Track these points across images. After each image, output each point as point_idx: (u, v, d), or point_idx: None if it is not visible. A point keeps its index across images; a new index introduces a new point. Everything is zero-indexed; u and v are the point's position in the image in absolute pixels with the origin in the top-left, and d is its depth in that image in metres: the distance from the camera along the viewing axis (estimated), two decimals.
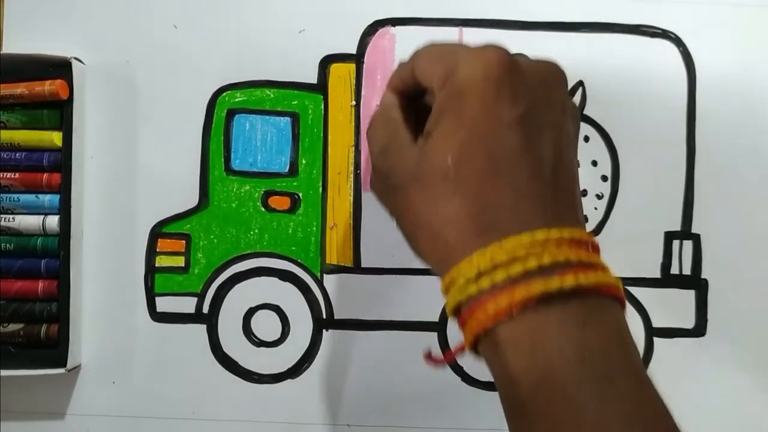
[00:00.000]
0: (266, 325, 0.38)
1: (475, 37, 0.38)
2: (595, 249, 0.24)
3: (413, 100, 0.28)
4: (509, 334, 0.22)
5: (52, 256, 0.36)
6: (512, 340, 0.22)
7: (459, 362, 0.38)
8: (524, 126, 0.24)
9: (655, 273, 0.38)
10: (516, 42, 0.38)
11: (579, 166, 0.27)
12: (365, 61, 0.38)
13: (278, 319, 0.38)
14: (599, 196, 0.38)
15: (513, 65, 0.25)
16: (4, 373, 0.35)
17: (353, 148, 0.38)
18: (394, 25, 0.38)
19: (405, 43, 0.38)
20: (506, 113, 0.24)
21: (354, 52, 0.38)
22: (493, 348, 0.23)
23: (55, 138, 0.36)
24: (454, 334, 0.38)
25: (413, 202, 0.25)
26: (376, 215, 0.38)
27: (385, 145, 0.27)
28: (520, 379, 0.22)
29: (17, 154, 0.37)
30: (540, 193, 0.24)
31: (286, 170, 0.38)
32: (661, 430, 0.22)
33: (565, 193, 0.25)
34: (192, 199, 0.38)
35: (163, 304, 0.38)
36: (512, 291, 0.22)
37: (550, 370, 0.21)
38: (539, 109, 0.25)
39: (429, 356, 0.27)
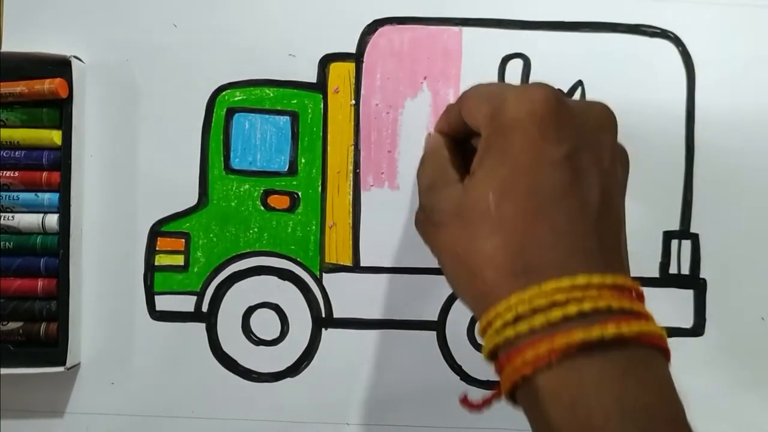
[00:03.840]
0: (265, 324, 0.38)
1: (475, 36, 0.38)
2: (640, 297, 0.24)
3: (461, 143, 0.28)
4: (549, 383, 0.21)
5: (52, 254, 0.37)
6: (552, 390, 0.21)
7: (459, 363, 0.38)
8: (570, 166, 0.24)
9: (654, 272, 0.38)
10: (516, 42, 0.38)
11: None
12: (365, 60, 0.38)
13: (277, 317, 0.38)
14: None
15: (560, 104, 0.24)
16: (4, 371, 0.35)
17: (352, 147, 0.38)
18: (393, 24, 0.38)
19: (406, 42, 0.38)
20: (551, 152, 0.24)
21: (354, 51, 0.38)
22: (532, 396, 0.22)
23: (55, 136, 0.36)
24: (453, 333, 0.38)
25: (454, 239, 0.25)
26: (375, 214, 0.38)
27: (431, 182, 0.27)
28: (560, 430, 0.21)
29: (17, 153, 0.37)
30: (583, 236, 0.23)
31: (286, 169, 0.38)
32: None
33: (610, 238, 0.24)
34: (191, 198, 0.38)
35: (163, 302, 0.38)
36: (552, 338, 0.21)
37: (591, 423, 0.21)
38: (586, 151, 0.24)
39: (465, 400, 0.27)
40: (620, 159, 0.26)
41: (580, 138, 0.24)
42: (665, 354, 0.23)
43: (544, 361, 0.21)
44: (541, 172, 0.23)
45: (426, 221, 0.27)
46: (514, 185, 0.24)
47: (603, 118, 0.26)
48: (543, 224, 0.23)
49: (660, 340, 0.23)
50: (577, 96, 0.38)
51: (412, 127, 0.38)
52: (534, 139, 0.24)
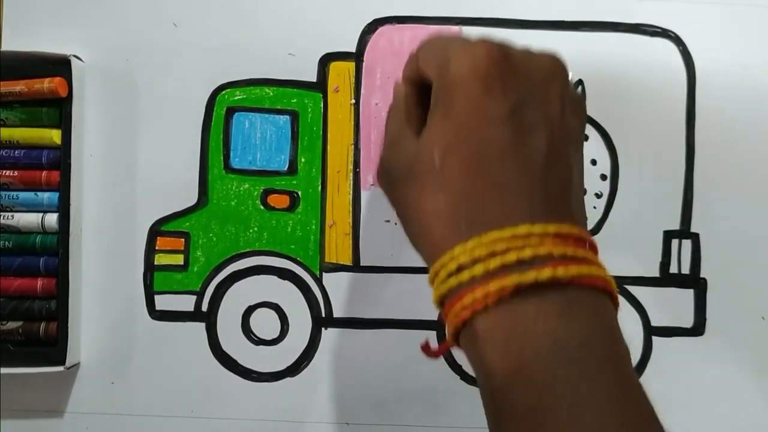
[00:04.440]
0: (265, 324, 0.38)
1: (474, 35, 0.38)
2: (591, 246, 0.24)
3: (428, 88, 0.28)
4: (485, 326, 0.22)
5: (51, 253, 0.36)
6: (488, 331, 0.22)
7: (455, 358, 0.38)
8: (514, 121, 0.24)
9: (654, 272, 0.38)
10: (516, 41, 0.38)
11: (583, 162, 0.27)
12: (365, 59, 0.38)
13: (277, 317, 0.38)
14: (598, 195, 0.38)
15: (504, 59, 0.24)
16: (3, 371, 0.35)
17: (352, 146, 0.38)
18: (393, 24, 0.38)
19: (406, 42, 0.38)
20: (494, 109, 0.24)
21: (353, 50, 0.38)
22: (471, 340, 0.23)
23: (54, 136, 0.36)
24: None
25: (407, 195, 0.26)
26: (375, 214, 0.38)
27: (392, 139, 0.28)
28: (494, 370, 0.22)
29: (16, 152, 0.37)
30: (528, 189, 0.24)
31: (286, 168, 0.38)
32: (639, 426, 0.22)
33: (558, 189, 0.24)
34: (191, 197, 0.38)
35: (162, 302, 0.38)
36: (488, 283, 0.22)
37: (523, 362, 0.22)
38: (532, 104, 0.24)
39: (427, 346, 0.27)
40: (573, 108, 0.26)
41: (526, 91, 0.24)
42: (611, 297, 0.24)
43: (480, 304, 0.22)
44: (484, 129, 0.24)
45: (385, 176, 0.28)
46: (457, 143, 0.24)
47: (549, 69, 0.26)
48: (486, 180, 0.24)
49: (604, 283, 0.23)
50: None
51: None
52: (477, 96, 0.24)
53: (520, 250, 0.22)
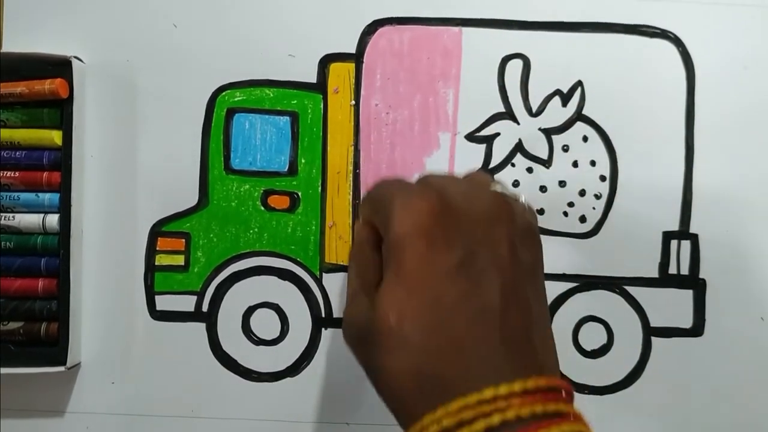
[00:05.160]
0: (265, 324, 0.38)
1: (475, 36, 0.38)
2: (567, 392, 0.23)
3: None
4: None
5: (52, 254, 0.37)
6: None
7: None
8: (464, 272, 0.23)
9: (653, 273, 0.38)
10: (516, 42, 0.38)
11: (544, 294, 0.26)
12: (365, 60, 0.38)
13: (277, 317, 0.38)
14: (597, 196, 0.38)
15: (444, 211, 0.24)
16: (4, 371, 0.36)
17: (352, 147, 0.38)
18: (393, 25, 0.38)
19: (405, 43, 0.38)
20: (442, 263, 0.23)
21: (353, 51, 0.38)
22: None
23: (55, 137, 0.37)
24: None
25: (369, 357, 0.25)
26: None
27: (352, 294, 0.27)
28: None
29: (17, 153, 0.37)
30: (486, 342, 0.23)
31: (286, 169, 0.38)
32: None
33: (518, 334, 0.23)
34: (192, 198, 0.38)
35: (163, 302, 0.38)
36: None
37: None
38: (481, 251, 0.24)
39: None
40: (523, 242, 0.25)
41: (472, 239, 0.24)
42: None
43: None
44: (435, 286, 0.23)
45: (347, 336, 0.27)
46: (410, 304, 0.23)
47: (492, 211, 0.25)
48: (443, 338, 0.23)
49: (576, 420, 0.22)
50: (576, 96, 0.38)
51: (412, 128, 0.38)
52: (423, 254, 0.23)
53: (488, 417, 0.21)
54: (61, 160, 0.36)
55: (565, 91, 0.38)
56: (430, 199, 0.24)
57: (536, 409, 0.21)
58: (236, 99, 0.38)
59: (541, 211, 0.38)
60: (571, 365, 0.38)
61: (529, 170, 0.38)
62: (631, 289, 0.38)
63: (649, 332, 0.38)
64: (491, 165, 0.38)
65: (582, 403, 0.33)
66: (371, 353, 0.25)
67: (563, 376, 0.24)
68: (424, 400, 0.22)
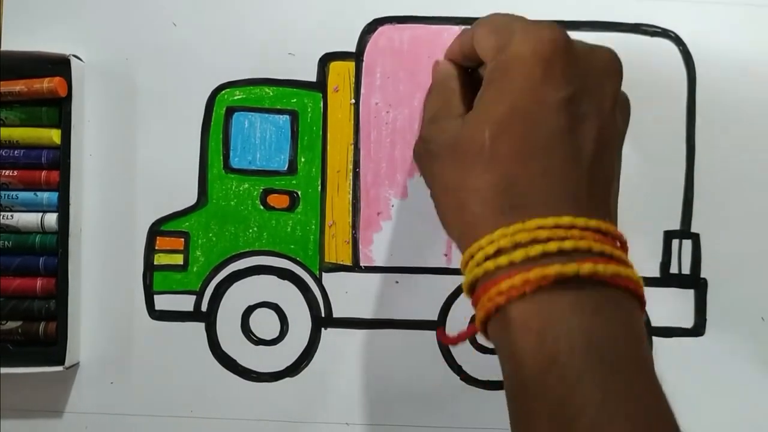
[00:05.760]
0: (265, 324, 0.38)
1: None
2: (623, 246, 0.24)
3: (471, 72, 0.28)
4: (520, 313, 0.22)
5: (51, 253, 0.36)
6: (523, 319, 0.22)
7: (459, 363, 0.37)
8: (568, 110, 0.24)
9: (655, 272, 0.38)
10: None
11: (621, 163, 0.27)
12: (365, 59, 0.38)
13: (277, 317, 0.38)
14: None
15: (566, 47, 0.24)
16: (3, 370, 0.35)
17: (352, 146, 0.38)
18: (393, 24, 0.38)
19: (406, 41, 0.38)
20: (551, 94, 0.23)
21: (353, 50, 0.38)
22: (504, 327, 0.22)
23: (54, 135, 0.36)
24: (453, 332, 0.37)
25: (447, 171, 0.25)
26: (374, 214, 0.38)
27: (435, 114, 0.27)
28: (526, 359, 0.22)
29: (16, 152, 0.36)
30: (574, 180, 0.23)
31: (285, 168, 0.38)
32: (661, 429, 0.22)
33: (600, 186, 0.24)
34: (191, 197, 0.38)
35: (162, 302, 0.38)
36: (528, 270, 0.21)
37: (557, 353, 0.21)
38: (587, 96, 0.24)
39: (442, 333, 0.27)
40: (621, 108, 0.26)
41: (583, 83, 0.24)
42: (640, 301, 0.23)
43: (518, 291, 0.22)
44: (539, 115, 0.23)
45: (423, 152, 0.27)
46: (510, 125, 0.24)
47: (608, 65, 0.26)
48: (535, 165, 0.23)
49: (636, 286, 0.23)
50: None
51: (412, 126, 0.38)
52: (535, 80, 0.24)
53: (562, 240, 0.22)
54: (60, 158, 0.36)
55: None
56: (555, 33, 0.24)
57: (605, 248, 0.22)
58: (236, 97, 0.38)
59: None
60: None
61: None
62: None
63: (651, 331, 0.37)
64: None
65: None
66: (450, 169, 0.25)
67: None
68: (499, 217, 0.23)
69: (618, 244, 0.24)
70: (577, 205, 0.23)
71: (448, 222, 0.26)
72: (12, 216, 0.36)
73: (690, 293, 0.38)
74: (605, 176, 0.25)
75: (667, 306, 0.37)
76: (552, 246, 0.22)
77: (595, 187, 0.24)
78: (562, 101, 0.23)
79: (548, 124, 0.23)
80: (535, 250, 0.22)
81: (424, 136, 0.28)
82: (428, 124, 0.28)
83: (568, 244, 0.22)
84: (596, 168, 0.24)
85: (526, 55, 0.24)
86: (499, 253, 0.22)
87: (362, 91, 0.38)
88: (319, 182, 0.38)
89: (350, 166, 0.38)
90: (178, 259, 0.38)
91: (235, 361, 0.38)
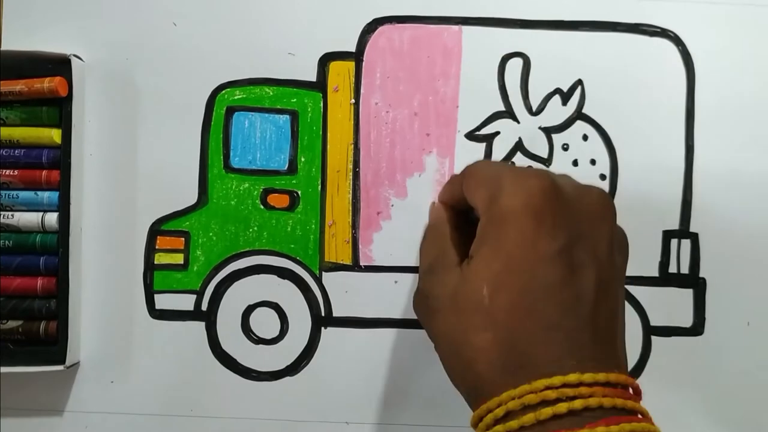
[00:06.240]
0: (265, 323, 0.38)
1: (475, 35, 0.38)
2: (636, 392, 0.23)
3: (465, 213, 0.28)
4: None
5: (51, 253, 0.36)
6: None
7: None
8: (564, 260, 0.23)
9: (653, 272, 0.38)
10: (516, 41, 0.38)
11: (624, 300, 0.27)
12: (364, 59, 0.38)
13: (277, 316, 0.38)
14: None
15: (556, 195, 0.24)
16: (3, 369, 0.35)
17: (352, 146, 0.38)
18: (393, 23, 0.38)
19: (405, 41, 0.38)
20: (545, 246, 0.23)
21: (353, 50, 0.38)
22: None
23: (55, 135, 0.36)
24: None
25: (449, 327, 0.25)
26: (374, 213, 0.38)
27: (431, 265, 0.27)
28: None
29: (16, 151, 0.37)
30: (577, 331, 0.23)
31: (285, 168, 0.38)
32: None
33: (605, 331, 0.24)
34: (191, 197, 0.38)
35: (162, 301, 0.38)
36: None
37: None
38: (582, 243, 0.24)
39: None
40: (619, 246, 0.26)
41: (577, 230, 0.24)
42: None
43: None
44: (535, 268, 0.23)
45: (423, 307, 0.27)
46: (507, 280, 0.23)
47: (600, 208, 0.25)
48: (536, 320, 0.23)
49: None
50: (576, 95, 0.38)
51: (412, 126, 0.38)
52: (528, 232, 0.24)
53: (571, 400, 0.21)
54: (60, 158, 0.36)
55: (565, 89, 0.38)
56: (544, 180, 0.24)
57: (616, 402, 0.22)
58: (236, 97, 0.38)
59: None
60: None
61: None
62: (631, 288, 0.38)
63: (649, 331, 0.38)
64: None
65: None
66: (451, 325, 0.25)
67: None
68: (505, 378, 0.23)
69: (631, 391, 0.23)
70: (583, 358, 0.23)
71: (453, 376, 0.25)
72: (12, 215, 0.36)
73: (689, 293, 0.38)
74: (609, 320, 0.24)
75: (665, 305, 0.38)
76: (562, 407, 0.21)
77: (600, 334, 0.24)
78: (556, 252, 0.23)
79: (545, 277, 0.23)
80: (545, 413, 0.21)
81: (422, 289, 0.27)
82: (426, 276, 0.27)
83: (578, 404, 0.21)
84: (598, 314, 0.24)
85: (517, 208, 0.24)
86: (508, 416, 0.22)
87: (362, 91, 0.38)
88: (319, 182, 0.38)
89: (350, 166, 0.38)
90: (179, 259, 0.38)
91: (235, 360, 0.38)
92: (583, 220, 0.25)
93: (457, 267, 0.26)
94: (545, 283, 0.23)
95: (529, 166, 0.26)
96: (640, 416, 0.23)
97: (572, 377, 0.22)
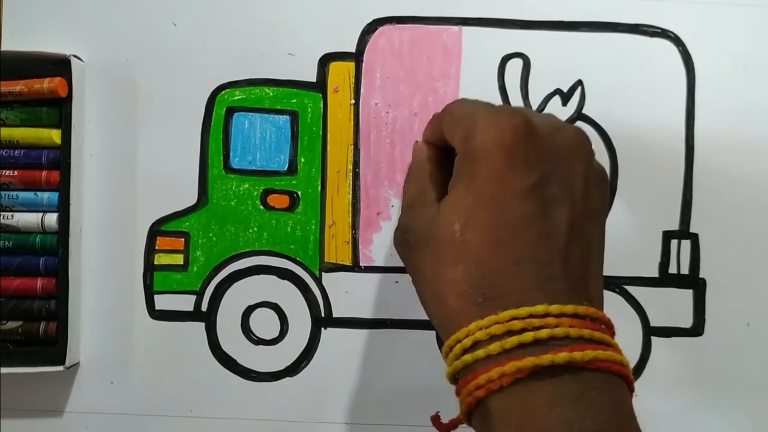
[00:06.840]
0: (265, 323, 0.38)
1: (475, 36, 0.38)
2: (608, 326, 0.24)
3: (448, 150, 0.28)
4: (499, 405, 0.22)
5: (51, 253, 0.36)
6: (502, 412, 0.22)
7: None
8: (536, 196, 0.24)
9: (653, 272, 0.38)
10: (516, 41, 0.38)
11: (603, 236, 0.27)
12: (364, 59, 0.38)
13: (277, 317, 0.38)
14: None
15: (529, 133, 0.24)
16: (3, 370, 0.35)
17: (352, 146, 0.38)
18: (393, 24, 0.38)
19: (405, 42, 0.38)
20: (517, 182, 0.24)
21: (353, 50, 0.38)
22: (485, 420, 0.23)
23: (54, 135, 0.36)
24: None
25: (423, 262, 0.25)
26: (374, 214, 0.38)
27: (411, 201, 0.28)
28: None
29: (16, 152, 0.37)
30: (546, 265, 0.23)
31: (285, 168, 0.38)
32: None
33: (576, 267, 0.24)
34: (191, 197, 0.38)
35: (162, 301, 0.38)
36: (504, 363, 0.22)
37: None
38: (556, 179, 0.24)
39: (437, 419, 0.27)
40: (596, 184, 0.26)
41: (550, 166, 0.24)
42: (627, 382, 0.23)
43: (495, 384, 0.22)
44: (506, 203, 0.24)
45: (402, 241, 0.28)
46: (478, 215, 0.24)
47: (575, 145, 0.26)
48: (505, 254, 0.23)
49: (620, 367, 0.23)
50: (576, 95, 0.38)
51: (412, 127, 0.38)
52: (500, 169, 0.24)
53: (537, 330, 0.22)
54: (60, 158, 0.36)
55: (565, 90, 0.38)
56: (516, 120, 0.24)
57: (583, 332, 0.22)
58: (236, 98, 0.38)
59: None
60: None
61: None
62: (631, 289, 0.38)
63: (649, 332, 0.38)
64: None
65: None
66: (426, 259, 0.25)
67: None
68: (474, 309, 0.23)
69: (598, 325, 0.23)
70: (552, 291, 0.23)
71: (428, 309, 0.26)
72: (12, 216, 0.36)
73: (689, 293, 0.38)
74: (581, 257, 0.24)
75: (665, 306, 0.38)
76: (527, 336, 0.22)
77: (571, 269, 0.24)
78: (527, 188, 0.24)
79: (516, 212, 0.24)
80: (511, 341, 0.22)
81: (402, 224, 0.28)
82: (406, 211, 0.28)
83: (543, 333, 0.22)
84: (570, 250, 0.24)
85: (489, 145, 0.24)
86: (475, 345, 0.22)
87: (362, 91, 0.38)
88: (319, 182, 0.38)
89: (350, 166, 0.38)
90: (179, 259, 0.38)
91: (235, 360, 0.38)
92: (557, 157, 0.25)
93: (436, 203, 0.26)
94: (515, 217, 0.23)
95: (507, 104, 0.26)
96: (609, 346, 0.23)
97: (539, 308, 0.22)
